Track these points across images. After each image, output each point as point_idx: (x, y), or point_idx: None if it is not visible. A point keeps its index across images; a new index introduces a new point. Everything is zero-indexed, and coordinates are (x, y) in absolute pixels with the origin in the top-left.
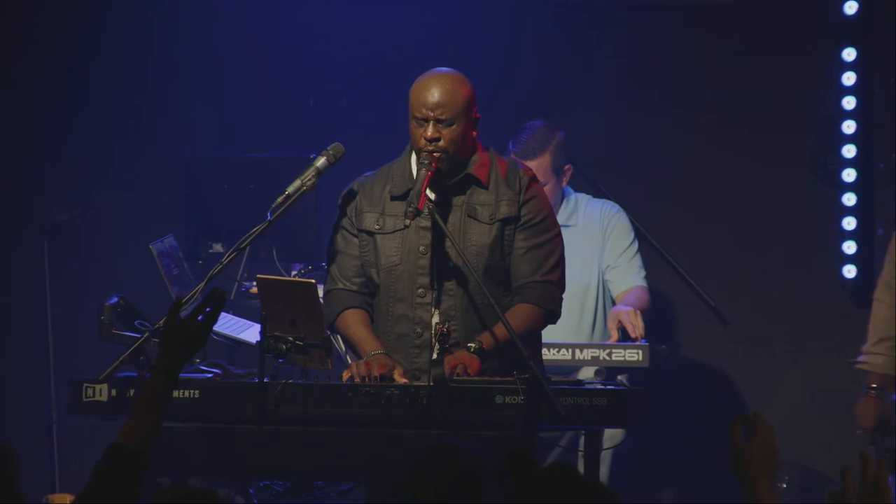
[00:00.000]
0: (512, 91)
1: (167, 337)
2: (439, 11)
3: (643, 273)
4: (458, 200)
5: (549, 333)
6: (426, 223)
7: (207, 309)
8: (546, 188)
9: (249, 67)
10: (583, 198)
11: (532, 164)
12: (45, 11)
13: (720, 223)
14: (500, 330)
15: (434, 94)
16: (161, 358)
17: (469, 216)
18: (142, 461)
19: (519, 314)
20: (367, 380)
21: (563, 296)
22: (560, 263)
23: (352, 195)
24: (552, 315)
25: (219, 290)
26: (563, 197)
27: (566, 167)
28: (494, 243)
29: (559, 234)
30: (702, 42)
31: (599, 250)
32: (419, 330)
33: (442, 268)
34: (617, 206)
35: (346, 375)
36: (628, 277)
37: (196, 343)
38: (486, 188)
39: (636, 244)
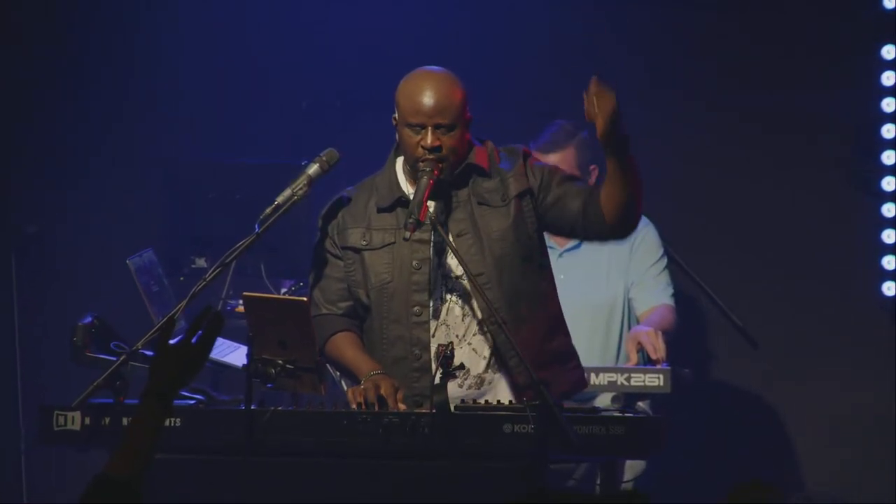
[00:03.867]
0: (512, 91)
1: (158, 360)
2: (439, 11)
3: (671, 290)
4: (462, 194)
5: None
6: (422, 235)
7: (200, 331)
8: None
9: (246, 68)
10: None
11: (555, 158)
12: (33, 11)
13: (745, 235)
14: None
15: (431, 99)
16: (151, 381)
17: (480, 204)
18: (130, 493)
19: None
20: (377, 403)
21: (588, 315)
22: None
23: (332, 213)
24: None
25: (213, 310)
26: None
27: (591, 167)
28: (517, 222)
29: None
30: (723, 39)
31: (626, 265)
32: (417, 352)
33: (443, 282)
34: (645, 219)
35: (353, 401)
36: (653, 295)
37: (192, 368)
38: (488, 174)
39: (665, 260)
